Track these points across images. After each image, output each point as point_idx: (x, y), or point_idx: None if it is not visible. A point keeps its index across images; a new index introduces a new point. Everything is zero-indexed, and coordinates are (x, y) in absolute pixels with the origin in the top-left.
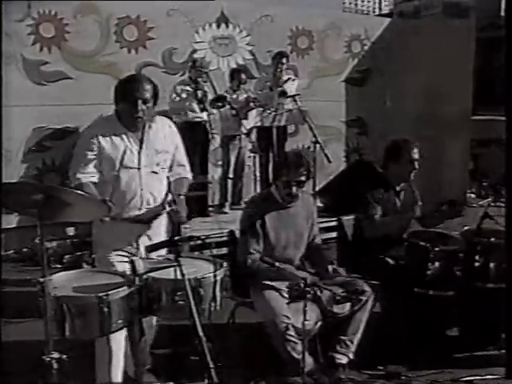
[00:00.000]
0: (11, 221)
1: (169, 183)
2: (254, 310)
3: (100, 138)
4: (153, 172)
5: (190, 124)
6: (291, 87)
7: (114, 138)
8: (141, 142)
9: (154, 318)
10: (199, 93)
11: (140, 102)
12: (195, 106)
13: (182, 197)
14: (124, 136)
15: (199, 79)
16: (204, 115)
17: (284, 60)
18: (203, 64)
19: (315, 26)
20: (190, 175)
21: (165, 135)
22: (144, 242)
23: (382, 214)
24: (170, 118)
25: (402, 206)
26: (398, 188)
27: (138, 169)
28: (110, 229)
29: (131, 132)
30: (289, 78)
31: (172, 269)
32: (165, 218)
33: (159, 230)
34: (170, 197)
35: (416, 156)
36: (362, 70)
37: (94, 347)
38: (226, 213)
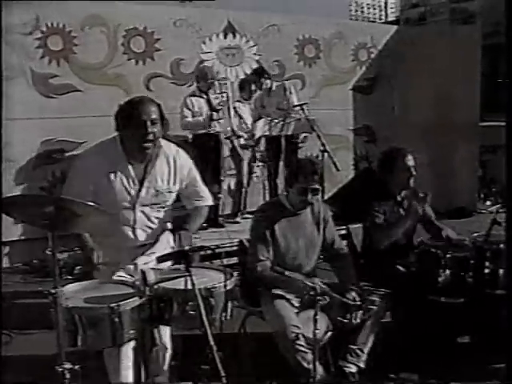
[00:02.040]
0: (19, 232)
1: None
2: (264, 320)
3: (97, 169)
4: (149, 212)
5: (201, 136)
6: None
7: (111, 171)
8: (141, 182)
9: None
10: (211, 104)
11: (149, 123)
12: (208, 118)
13: (191, 233)
14: (122, 171)
15: (210, 90)
16: (217, 126)
17: (262, 75)
18: (213, 74)
19: (322, 34)
20: (209, 202)
21: (170, 173)
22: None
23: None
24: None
25: (405, 214)
26: (398, 198)
27: (133, 209)
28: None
29: (132, 166)
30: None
31: (183, 279)
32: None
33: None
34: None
35: (411, 163)
36: (370, 77)
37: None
38: (238, 222)
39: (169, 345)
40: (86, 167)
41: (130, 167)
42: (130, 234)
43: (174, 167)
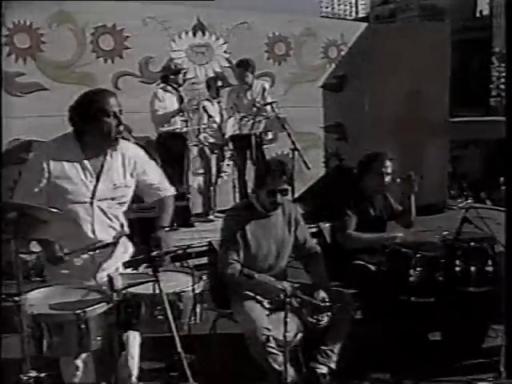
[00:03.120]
0: None
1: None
2: (235, 322)
3: (52, 164)
4: (107, 207)
5: (169, 134)
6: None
7: (67, 166)
8: (98, 175)
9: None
10: (181, 101)
11: (118, 114)
12: (177, 115)
13: (165, 230)
14: (79, 165)
15: (181, 86)
16: (185, 126)
17: (245, 68)
18: (180, 66)
19: (292, 32)
20: (171, 191)
21: (126, 167)
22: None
23: (357, 225)
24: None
25: (376, 214)
26: (371, 198)
27: (91, 203)
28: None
29: (89, 160)
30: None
31: (151, 283)
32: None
33: (120, 257)
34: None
35: (389, 170)
36: (340, 75)
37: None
38: (212, 221)
39: (136, 351)
40: (39, 162)
41: (86, 161)
42: (89, 231)
43: (129, 162)
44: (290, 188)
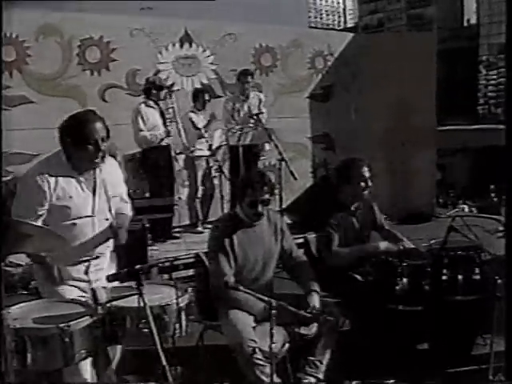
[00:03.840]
0: None
1: None
2: (221, 334)
3: (50, 182)
4: (106, 219)
5: (152, 149)
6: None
7: (63, 183)
8: (94, 189)
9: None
10: (165, 114)
11: (100, 141)
12: (162, 129)
13: (123, 228)
14: (75, 181)
15: (165, 99)
16: (169, 139)
17: (249, 78)
18: (162, 82)
19: (279, 42)
20: (130, 213)
21: (114, 178)
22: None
23: (341, 238)
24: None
25: (360, 225)
26: (352, 208)
27: (92, 217)
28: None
29: (81, 176)
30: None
31: (135, 296)
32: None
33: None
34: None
35: (367, 174)
36: (326, 85)
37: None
38: (201, 232)
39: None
40: (35, 185)
41: (80, 177)
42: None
43: (117, 174)
44: (271, 198)
